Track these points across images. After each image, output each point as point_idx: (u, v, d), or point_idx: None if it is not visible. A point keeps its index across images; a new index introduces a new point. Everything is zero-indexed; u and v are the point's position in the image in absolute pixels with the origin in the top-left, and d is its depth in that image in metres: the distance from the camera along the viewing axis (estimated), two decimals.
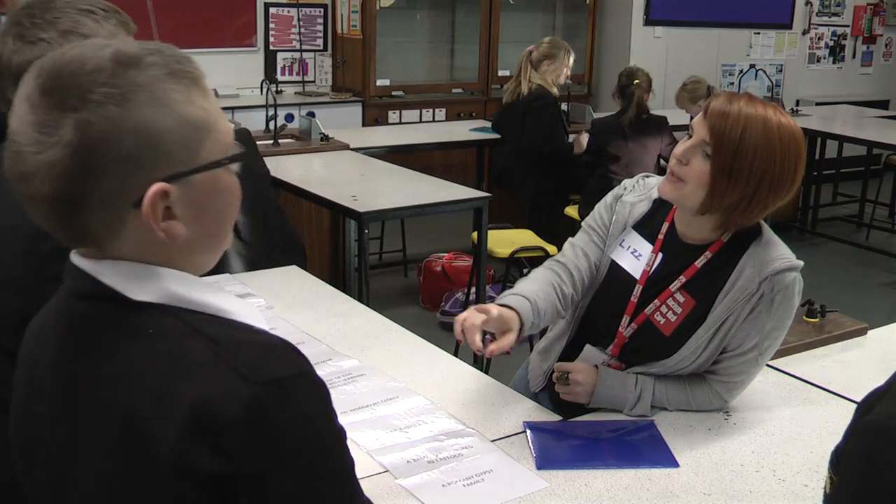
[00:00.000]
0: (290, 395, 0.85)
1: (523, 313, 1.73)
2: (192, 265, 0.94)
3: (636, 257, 1.84)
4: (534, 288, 1.81)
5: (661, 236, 1.83)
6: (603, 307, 1.89)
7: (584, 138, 4.97)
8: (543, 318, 1.81)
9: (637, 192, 1.89)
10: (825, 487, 1.08)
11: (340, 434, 0.91)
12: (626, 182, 1.93)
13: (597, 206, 1.94)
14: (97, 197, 0.84)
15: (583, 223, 1.95)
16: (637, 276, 1.83)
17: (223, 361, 0.84)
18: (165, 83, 0.85)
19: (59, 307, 0.96)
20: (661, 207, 1.85)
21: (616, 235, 1.87)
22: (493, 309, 1.69)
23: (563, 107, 5.40)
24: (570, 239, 1.95)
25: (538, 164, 4.97)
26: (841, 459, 1.02)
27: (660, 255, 1.82)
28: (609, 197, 1.93)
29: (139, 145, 0.83)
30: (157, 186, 0.85)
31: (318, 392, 0.89)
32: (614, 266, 1.87)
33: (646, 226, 1.86)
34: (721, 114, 1.63)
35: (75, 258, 0.92)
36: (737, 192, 1.63)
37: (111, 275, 0.89)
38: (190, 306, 0.90)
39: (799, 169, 1.67)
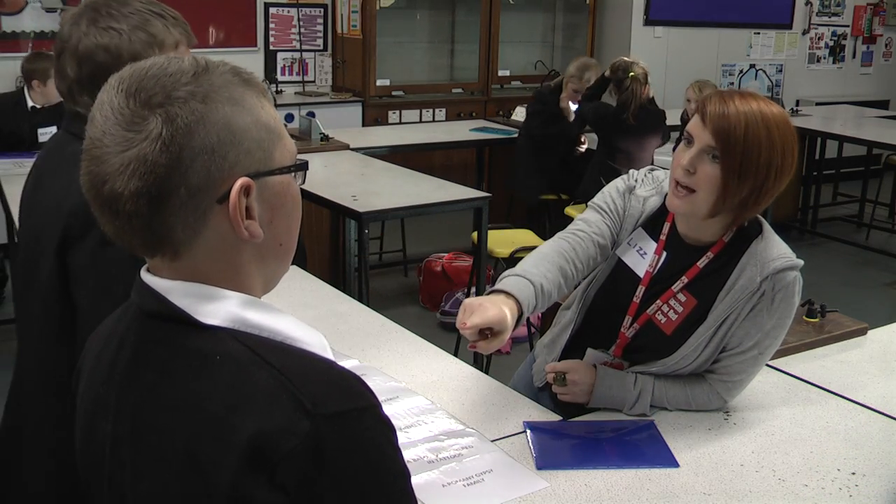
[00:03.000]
0: (350, 430, 0.84)
1: (523, 301, 1.66)
2: (263, 276, 0.95)
3: (641, 255, 1.84)
4: (541, 269, 1.74)
5: (663, 237, 1.83)
6: (606, 304, 1.89)
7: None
8: (546, 300, 1.73)
9: (648, 185, 1.88)
10: None
11: (403, 474, 0.89)
12: (636, 174, 1.90)
13: (607, 190, 1.89)
14: (184, 192, 0.85)
15: (590, 203, 1.90)
16: (640, 274, 1.83)
17: (286, 392, 0.83)
18: (240, 87, 0.90)
19: (128, 323, 0.96)
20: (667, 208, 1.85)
21: (629, 230, 1.86)
22: (490, 310, 1.59)
23: None
24: (580, 216, 1.90)
25: None
26: None
27: (664, 255, 1.82)
28: (621, 184, 1.88)
29: (223, 140, 0.86)
30: (242, 180, 0.87)
31: (381, 429, 0.87)
32: (620, 264, 1.87)
33: (650, 224, 1.86)
34: (721, 115, 1.64)
35: (145, 275, 0.93)
36: (746, 188, 1.65)
37: (181, 295, 0.89)
38: (258, 332, 0.90)
39: (795, 153, 1.69)
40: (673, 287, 1.79)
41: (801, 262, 1.74)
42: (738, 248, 1.75)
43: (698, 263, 1.77)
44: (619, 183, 1.90)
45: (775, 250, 1.73)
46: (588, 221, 1.86)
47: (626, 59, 4.79)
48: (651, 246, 1.83)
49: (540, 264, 1.76)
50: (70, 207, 1.43)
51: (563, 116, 5.14)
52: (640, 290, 1.82)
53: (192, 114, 0.85)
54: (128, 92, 0.86)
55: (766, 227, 1.79)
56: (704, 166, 1.66)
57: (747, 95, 1.68)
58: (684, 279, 1.78)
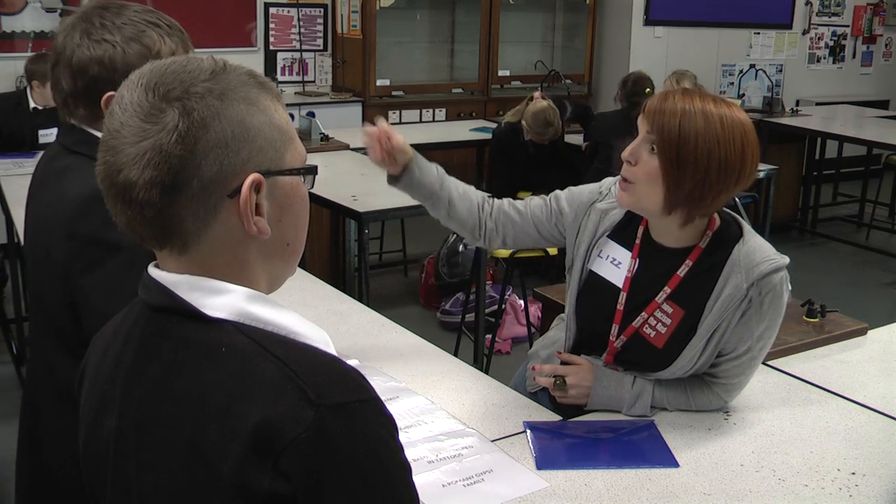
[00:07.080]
0: (353, 421, 0.85)
1: (418, 162, 1.89)
2: (268, 274, 0.96)
3: (616, 265, 1.82)
4: (456, 181, 1.95)
5: (637, 241, 1.81)
6: (591, 316, 1.87)
7: None
8: (442, 196, 1.92)
9: (611, 198, 1.87)
10: None
11: (404, 467, 0.90)
12: (606, 181, 1.90)
13: (577, 189, 1.92)
14: (196, 184, 0.87)
15: (552, 193, 1.94)
16: (619, 283, 1.81)
17: (291, 382, 0.85)
18: (255, 89, 0.92)
19: (134, 319, 0.97)
20: (636, 214, 1.83)
21: (585, 243, 1.86)
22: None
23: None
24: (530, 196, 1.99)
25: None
26: None
27: (637, 261, 1.80)
28: (585, 195, 1.90)
29: (237, 135, 0.88)
30: (254, 175, 0.89)
31: (383, 421, 0.89)
32: (594, 276, 1.85)
33: (621, 233, 1.84)
34: (658, 109, 1.67)
35: (153, 270, 0.94)
36: (688, 180, 1.64)
37: (188, 289, 0.91)
38: (262, 326, 0.91)
39: (747, 151, 1.66)
40: (657, 298, 1.77)
41: (786, 261, 1.72)
42: (721, 254, 1.73)
43: (679, 272, 1.75)
44: (585, 193, 1.90)
45: (759, 254, 1.71)
46: (527, 202, 1.96)
47: (641, 75, 4.85)
48: (624, 254, 1.82)
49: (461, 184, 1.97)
50: (65, 230, 1.42)
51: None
52: (623, 296, 1.81)
53: (209, 108, 0.87)
54: (147, 86, 0.88)
55: (747, 228, 1.77)
56: (643, 157, 1.68)
57: (692, 93, 1.70)
58: (667, 289, 1.76)
